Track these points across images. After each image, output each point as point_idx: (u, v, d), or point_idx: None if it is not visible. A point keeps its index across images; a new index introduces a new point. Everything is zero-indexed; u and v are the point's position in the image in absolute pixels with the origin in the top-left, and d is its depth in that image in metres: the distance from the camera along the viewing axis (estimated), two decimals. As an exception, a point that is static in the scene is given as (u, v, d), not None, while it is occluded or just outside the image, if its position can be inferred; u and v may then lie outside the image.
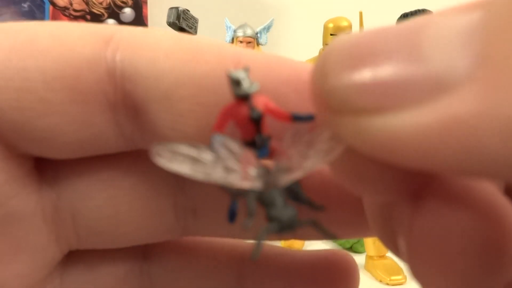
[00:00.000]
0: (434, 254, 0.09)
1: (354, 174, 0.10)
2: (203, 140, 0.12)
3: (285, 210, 0.10)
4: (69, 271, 0.15)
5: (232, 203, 0.11)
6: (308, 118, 0.10)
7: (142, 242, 0.15)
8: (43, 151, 0.13)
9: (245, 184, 0.10)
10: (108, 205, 0.14)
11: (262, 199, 0.10)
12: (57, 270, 0.14)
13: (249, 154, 0.10)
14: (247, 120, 0.11)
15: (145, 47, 0.12)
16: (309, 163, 0.10)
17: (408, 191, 0.10)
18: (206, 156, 0.10)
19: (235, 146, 0.10)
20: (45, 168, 0.14)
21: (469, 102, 0.07)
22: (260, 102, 0.11)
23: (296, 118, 0.10)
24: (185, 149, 0.10)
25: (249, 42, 0.49)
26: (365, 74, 0.08)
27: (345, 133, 0.09)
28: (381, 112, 0.08)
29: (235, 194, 0.10)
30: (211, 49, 0.12)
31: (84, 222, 0.14)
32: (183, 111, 0.12)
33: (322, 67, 0.08)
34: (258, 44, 0.50)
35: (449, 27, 0.08)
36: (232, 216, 0.11)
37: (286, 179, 0.10)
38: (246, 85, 0.10)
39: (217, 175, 0.10)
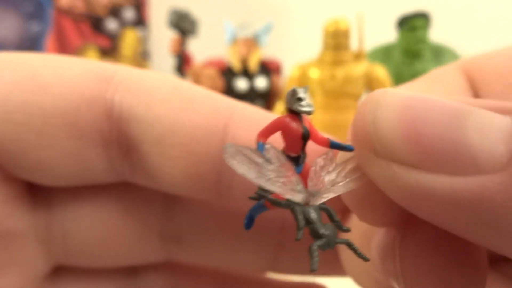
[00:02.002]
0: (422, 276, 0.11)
1: (365, 203, 0.11)
2: (189, 186, 0.13)
3: (328, 228, 0.11)
4: (59, 286, 0.15)
5: (254, 210, 0.12)
6: (345, 148, 0.11)
7: (127, 264, 0.16)
8: (36, 179, 0.14)
9: (290, 195, 0.10)
10: (96, 228, 0.15)
11: (303, 214, 0.11)
12: (47, 284, 0.15)
13: (291, 168, 0.11)
14: (297, 136, 0.11)
15: (143, 91, 0.13)
16: (338, 188, 0.11)
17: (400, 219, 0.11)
18: (263, 161, 0.11)
19: (283, 157, 0.11)
20: (39, 190, 0.14)
21: (498, 186, 0.09)
22: (307, 123, 0.11)
23: (333, 145, 0.11)
24: (251, 153, 0.11)
25: (249, 43, 0.49)
26: (415, 134, 0.09)
27: (379, 175, 0.10)
28: (419, 169, 0.09)
29: (281, 205, 0.11)
30: (205, 100, 0.13)
31: (73, 241, 0.15)
32: (173, 157, 0.13)
33: (374, 114, 0.10)
34: (258, 45, 0.50)
35: (490, 121, 0.09)
36: (249, 223, 0.12)
37: (321, 199, 0.11)
38: (306, 103, 0.11)
39: (272, 184, 0.10)
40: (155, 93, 0.13)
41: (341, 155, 0.11)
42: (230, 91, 0.50)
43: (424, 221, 0.10)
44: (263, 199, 0.11)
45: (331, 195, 0.11)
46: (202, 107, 0.13)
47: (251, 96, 0.50)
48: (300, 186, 0.11)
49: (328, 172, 0.11)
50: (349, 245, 0.11)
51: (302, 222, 0.10)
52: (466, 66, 0.14)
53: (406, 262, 0.11)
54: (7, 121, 0.13)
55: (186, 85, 0.14)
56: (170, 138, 0.13)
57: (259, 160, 0.11)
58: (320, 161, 0.11)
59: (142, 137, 0.13)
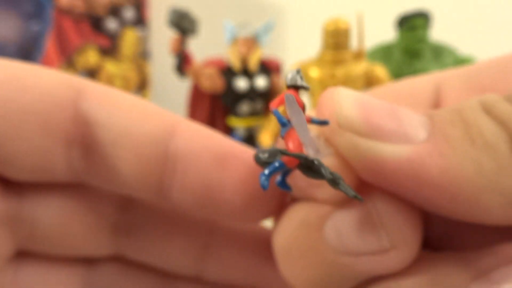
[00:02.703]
0: None
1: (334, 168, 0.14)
2: (136, 186, 0.16)
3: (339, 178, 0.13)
4: (22, 271, 0.17)
5: (274, 166, 0.13)
6: (323, 122, 0.14)
7: (83, 254, 0.18)
8: (3, 170, 0.15)
9: (317, 155, 0.13)
10: (57, 215, 0.17)
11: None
12: (10, 266, 0.17)
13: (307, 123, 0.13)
14: (302, 107, 0.14)
15: (107, 102, 0.16)
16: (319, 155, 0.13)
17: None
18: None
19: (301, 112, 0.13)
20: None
21: (421, 151, 0.13)
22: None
23: (313, 121, 0.14)
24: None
25: (249, 43, 0.49)
26: (367, 119, 0.13)
27: (341, 143, 0.13)
28: (371, 138, 0.13)
29: (305, 159, 0.13)
30: (157, 113, 0.16)
31: (38, 228, 0.17)
32: (123, 158, 0.15)
33: (337, 101, 0.13)
34: (258, 44, 0.50)
35: (415, 116, 0.13)
36: (266, 177, 0.13)
37: (324, 158, 0.13)
38: (300, 79, 0.14)
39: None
40: (117, 104, 0.16)
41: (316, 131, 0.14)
42: (230, 90, 0.50)
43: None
44: (277, 159, 0.13)
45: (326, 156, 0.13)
46: (153, 118, 0.16)
47: (251, 95, 0.50)
48: (314, 143, 0.13)
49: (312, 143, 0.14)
50: (352, 193, 0.13)
51: (328, 172, 0.12)
52: (437, 80, 0.17)
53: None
54: None
55: (142, 101, 0.16)
56: (123, 142, 0.15)
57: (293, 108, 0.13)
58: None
59: (101, 139, 0.15)
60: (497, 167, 0.12)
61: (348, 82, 0.46)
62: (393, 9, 0.56)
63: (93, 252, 0.18)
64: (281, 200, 0.17)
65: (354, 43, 0.47)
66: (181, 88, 0.57)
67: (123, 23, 0.62)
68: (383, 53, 0.54)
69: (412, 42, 0.51)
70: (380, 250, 0.13)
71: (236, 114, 0.51)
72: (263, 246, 0.18)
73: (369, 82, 0.47)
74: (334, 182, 0.12)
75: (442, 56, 0.52)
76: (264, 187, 0.13)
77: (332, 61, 0.46)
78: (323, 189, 0.14)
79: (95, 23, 0.60)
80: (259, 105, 0.51)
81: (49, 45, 0.58)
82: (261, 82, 0.50)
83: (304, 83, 0.14)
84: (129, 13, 0.62)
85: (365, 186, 0.14)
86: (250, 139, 0.51)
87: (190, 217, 0.18)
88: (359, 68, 0.46)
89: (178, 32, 0.46)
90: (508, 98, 0.13)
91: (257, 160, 0.14)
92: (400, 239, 0.13)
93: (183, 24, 0.45)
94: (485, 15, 0.75)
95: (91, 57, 0.60)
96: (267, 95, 0.51)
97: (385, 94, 0.18)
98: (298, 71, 0.14)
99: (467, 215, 0.13)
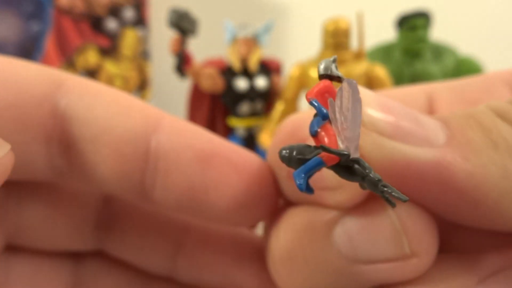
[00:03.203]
0: None
1: None
2: (117, 185, 0.15)
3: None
4: (12, 265, 0.17)
5: (308, 169, 0.12)
6: None
7: (68, 248, 0.18)
8: None
9: (355, 153, 0.12)
10: (41, 209, 0.17)
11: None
12: (0, 262, 0.17)
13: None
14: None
15: (87, 96, 0.15)
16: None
17: None
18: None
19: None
20: None
21: (446, 155, 0.13)
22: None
23: None
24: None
25: (249, 43, 0.49)
26: (392, 120, 0.13)
27: (366, 142, 0.13)
28: (396, 140, 0.13)
29: (345, 155, 0.12)
30: (140, 109, 0.15)
31: (24, 219, 0.17)
32: (104, 155, 0.15)
33: (365, 101, 0.13)
34: (258, 44, 0.50)
35: (431, 119, 0.13)
36: (307, 184, 0.12)
37: (356, 152, 0.12)
38: (335, 68, 0.13)
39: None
40: (97, 98, 0.15)
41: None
42: (230, 90, 0.50)
43: None
44: (314, 156, 0.12)
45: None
46: (135, 114, 0.15)
47: (251, 95, 0.50)
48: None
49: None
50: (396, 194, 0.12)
51: (373, 173, 0.12)
52: (429, 90, 0.18)
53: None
54: None
55: (125, 95, 0.16)
56: (104, 138, 0.15)
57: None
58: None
59: (80, 135, 0.15)
60: None
61: (348, 82, 0.46)
62: (393, 9, 0.55)
63: (78, 247, 0.18)
64: (273, 204, 0.16)
65: (354, 43, 0.47)
66: (181, 88, 0.57)
67: (123, 23, 0.62)
68: (383, 53, 0.54)
69: (412, 42, 0.51)
70: (399, 258, 0.13)
71: (236, 114, 0.51)
72: (238, 248, 0.18)
73: (369, 82, 0.47)
74: (375, 183, 0.12)
75: (443, 56, 0.52)
76: (302, 189, 0.12)
77: (332, 61, 0.46)
78: (335, 193, 0.14)
79: (95, 23, 0.60)
80: (259, 105, 0.51)
81: (49, 45, 0.57)
82: (261, 82, 0.50)
83: (339, 73, 0.13)
84: (129, 13, 0.62)
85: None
86: (250, 139, 0.51)
87: (165, 215, 0.18)
88: (359, 68, 0.46)
89: (178, 32, 0.45)
90: None
91: (284, 157, 0.13)
92: (421, 247, 0.13)
93: (183, 24, 0.45)
94: (485, 15, 0.75)
95: (91, 57, 0.60)
96: (267, 95, 0.51)
97: None
98: (334, 59, 0.13)
99: (487, 221, 0.13)
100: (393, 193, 0.12)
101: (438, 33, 0.54)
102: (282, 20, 0.75)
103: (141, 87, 0.64)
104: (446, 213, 0.13)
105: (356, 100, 0.12)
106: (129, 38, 0.62)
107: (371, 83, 0.47)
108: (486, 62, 0.53)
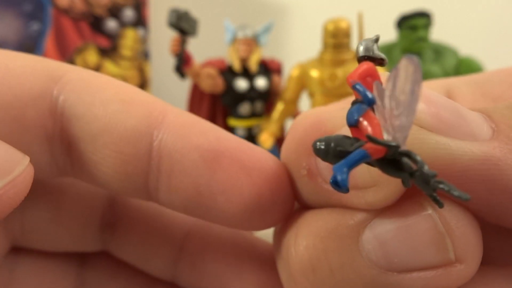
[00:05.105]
0: None
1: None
2: (120, 185, 0.14)
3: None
4: (18, 267, 0.17)
5: (351, 163, 0.10)
6: None
7: (73, 248, 0.18)
8: None
9: (404, 144, 0.11)
10: (46, 210, 0.16)
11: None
12: (6, 263, 0.16)
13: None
14: (379, 79, 0.12)
15: (86, 92, 0.14)
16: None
17: None
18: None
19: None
20: None
21: (494, 150, 0.11)
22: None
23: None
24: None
25: (249, 43, 0.49)
26: (434, 111, 0.12)
27: (413, 137, 0.12)
28: (440, 134, 0.12)
29: (392, 147, 0.11)
30: (142, 104, 0.14)
31: (29, 219, 0.16)
32: (104, 155, 0.14)
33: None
34: (258, 45, 0.50)
35: (474, 113, 0.12)
36: (345, 179, 0.10)
37: (404, 140, 0.11)
38: (376, 48, 0.12)
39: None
40: (97, 94, 0.14)
41: None
42: (230, 91, 0.50)
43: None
44: (358, 148, 0.10)
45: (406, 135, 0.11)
46: (137, 110, 0.14)
47: (251, 96, 0.50)
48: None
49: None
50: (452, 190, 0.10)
51: (420, 161, 0.10)
52: (447, 86, 0.17)
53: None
54: None
55: (128, 88, 0.15)
56: (104, 138, 0.14)
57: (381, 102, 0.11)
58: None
59: (80, 134, 0.14)
60: None
61: (348, 82, 0.46)
62: (393, 9, 0.55)
63: (83, 248, 0.18)
64: (288, 208, 0.15)
65: (354, 43, 0.47)
66: (181, 88, 0.57)
67: (123, 23, 0.62)
68: (384, 53, 0.54)
69: (413, 42, 0.51)
70: (443, 264, 0.11)
71: (236, 114, 0.50)
72: (239, 253, 0.17)
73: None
74: (426, 180, 0.10)
75: (443, 56, 0.52)
76: (343, 186, 0.10)
77: (332, 61, 0.46)
78: (367, 192, 0.12)
79: (95, 23, 0.60)
80: (259, 105, 0.51)
81: (48, 45, 0.57)
82: (261, 82, 0.50)
83: (382, 54, 0.12)
84: (129, 13, 0.62)
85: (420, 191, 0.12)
86: (250, 139, 0.51)
87: (169, 218, 0.17)
88: (360, 68, 0.46)
89: (177, 32, 0.45)
90: None
91: (320, 150, 0.11)
92: (468, 251, 0.11)
93: (183, 24, 0.45)
94: (485, 15, 0.75)
95: (91, 57, 0.60)
96: (267, 96, 0.51)
97: None
98: (376, 39, 0.12)
99: None
100: (451, 191, 0.10)
101: (438, 33, 0.54)
102: (282, 20, 0.75)
103: (141, 87, 0.64)
104: (491, 215, 0.12)
105: (416, 82, 0.10)
106: (129, 38, 0.62)
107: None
108: (486, 62, 0.53)
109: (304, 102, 0.50)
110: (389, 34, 0.54)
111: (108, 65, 0.61)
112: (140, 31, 0.63)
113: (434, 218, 0.12)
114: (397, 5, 0.57)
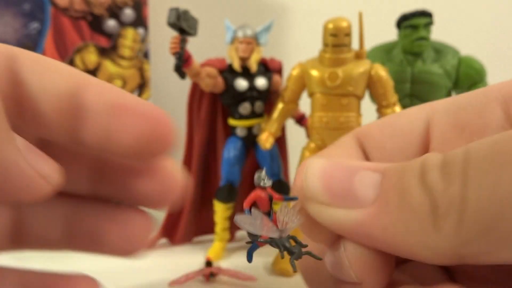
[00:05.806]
0: None
1: (309, 230, 0.18)
2: (59, 133, 0.19)
3: (296, 247, 0.17)
4: None
5: (251, 249, 0.18)
6: (293, 199, 0.18)
7: None
8: None
9: (271, 235, 0.17)
10: None
11: (281, 243, 0.17)
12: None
13: (267, 219, 0.18)
14: (266, 201, 0.18)
15: (37, 66, 0.19)
16: (293, 223, 0.17)
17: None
18: (253, 221, 0.17)
19: (261, 215, 0.17)
20: None
21: (368, 215, 0.16)
22: (269, 190, 0.18)
23: (286, 199, 0.18)
24: (247, 218, 0.17)
25: (249, 43, 0.49)
26: (327, 185, 0.17)
27: (311, 211, 0.17)
28: (330, 206, 0.16)
29: (267, 241, 0.17)
30: (70, 74, 0.19)
31: None
32: (45, 110, 0.18)
33: (305, 174, 0.17)
34: (258, 44, 0.50)
35: (367, 176, 0.16)
36: (251, 258, 0.18)
37: (287, 232, 0.17)
38: (267, 182, 0.18)
39: (260, 230, 0.17)
40: (43, 68, 0.19)
41: (292, 203, 0.18)
42: (230, 90, 0.49)
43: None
44: (255, 242, 0.18)
45: (292, 228, 0.17)
46: (67, 78, 0.19)
47: (251, 95, 0.50)
48: (274, 228, 0.17)
49: (287, 215, 0.17)
50: (309, 254, 0.17)
51: (282, 249, 0.17)
52: (358, 135, 0.20)
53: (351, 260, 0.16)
54: None
55: (65, 66, 0.19)
56: (44, 97, 0.18)
57: (251, 220, 0.17)
58: (281, 211, 0.17)
59: (27, 94, 0.18)
60: (421, 229, 0.14)
61: (348, 82, 0.46)
62: (393, 9, 0.55)
63: None
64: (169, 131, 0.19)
65: (355, 43, 0.47)
66: (181, 88, 0.57)
67: (123, 23, 0.62)
68: (384, 53, 0.54)
69: (413, 42, 0.51)
70: (354, 283, 0.16)
71: (236, 114, 0.50)
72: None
73: (370, 82, 0.47)
74: (289, 251, 0.17)
75: (444, 55, 0.52)
76: (250, 262, 0.18)
77: (332, 61, 0.46)
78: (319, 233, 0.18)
79: (95, 22, 0.60)
80: (259, 105, 0.50)
81: (48, 44, 0.57)
82: (261, 82, 0.50)
83: (266, 184, 0.18)
84: (128, 13, 0.62)
85: (340, 236, 0.17)
86: (250, 139, 0.51)
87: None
88: (360, 68, 0.46)
89: (177, 31, 0.45)
90: (443, 165, 0.15)
91: (242, 228, 0.17)
92: (364, 275, 0.16)
93: (183, 23, 0.44)
94: (486, 14, 0.74)
95: (90, 56, 0.60)
96: (267, 96, 0.51)
97: (381, 130, 0.20)
98: (260, 174, 0.18)
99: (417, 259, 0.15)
100: (310, 255, 0.17)
101: (438, 33, 0.53)
102: (283, 20, 0.74)
103: (141, 87, 0.64)
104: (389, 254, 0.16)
105: (292, 216, 0.17)
106: (129, 38, 0.62)
107: (372, 83, 0.46)
108: (486, 62, 0.53)
109: (304, 102, 0.50)
110: (389, 34, 0.54)
111: (108, 64, 0.61)
112: (140, 31, 0.63)
113: (341, 255, 0.16)
114: (397, 5, 0.57)
